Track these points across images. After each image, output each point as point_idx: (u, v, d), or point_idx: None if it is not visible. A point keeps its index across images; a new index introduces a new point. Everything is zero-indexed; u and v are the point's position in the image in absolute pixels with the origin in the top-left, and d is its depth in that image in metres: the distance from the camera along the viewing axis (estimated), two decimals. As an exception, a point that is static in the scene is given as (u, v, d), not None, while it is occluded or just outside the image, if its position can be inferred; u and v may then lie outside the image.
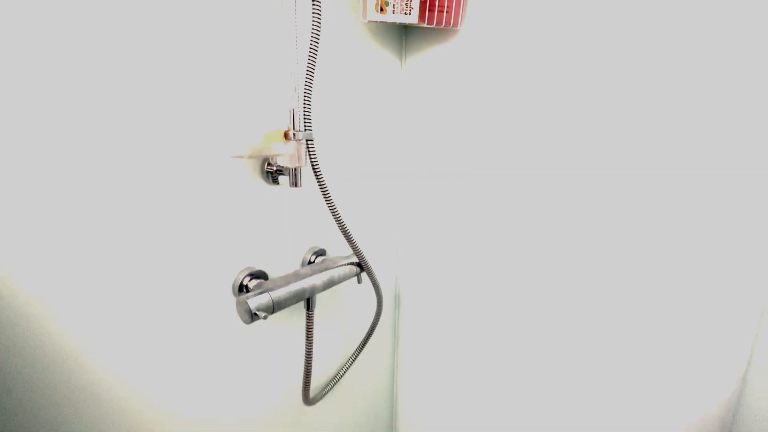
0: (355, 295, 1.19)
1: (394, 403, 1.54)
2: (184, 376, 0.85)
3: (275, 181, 0.88)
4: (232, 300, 0.89)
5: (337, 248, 1.08)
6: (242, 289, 0.89)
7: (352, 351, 1.23)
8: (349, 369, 1.24)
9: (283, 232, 0.96)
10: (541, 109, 0.99)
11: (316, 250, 1.02)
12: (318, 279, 0.94)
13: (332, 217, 1.02)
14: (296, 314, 1.03)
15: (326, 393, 1.14)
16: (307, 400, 1.07)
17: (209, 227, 0.82)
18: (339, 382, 1.23)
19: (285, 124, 0.87)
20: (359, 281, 1.02)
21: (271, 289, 0.87)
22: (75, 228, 0.65)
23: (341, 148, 1.04)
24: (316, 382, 1.16)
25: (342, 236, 1.06)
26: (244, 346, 0.95)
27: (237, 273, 0.90)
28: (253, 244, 0.92)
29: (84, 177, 0.64)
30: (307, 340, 0.99)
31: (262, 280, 0.92)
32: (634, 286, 0.99)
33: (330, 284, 0.96)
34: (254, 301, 0.83)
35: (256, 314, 0.83)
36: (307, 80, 0.78)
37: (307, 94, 0.78)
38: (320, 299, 1.09)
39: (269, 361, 1.00)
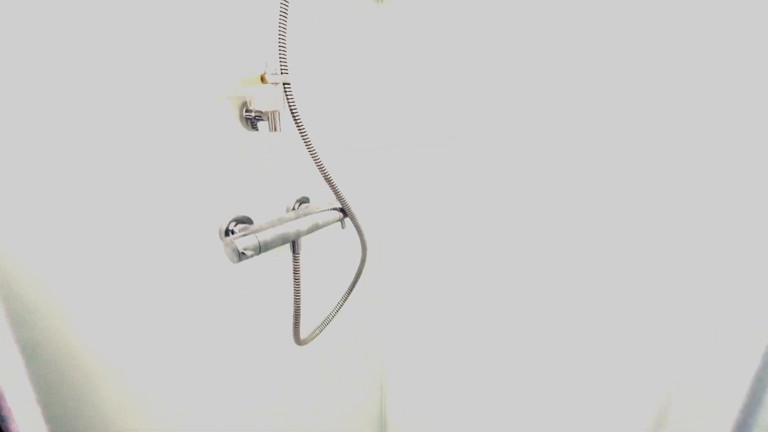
0: (340, 241, 1.24)
1: (383, 346, 1.60)
2: (177, 319, 0.90)
3: (254, 127, 0.92)
4: (220, 244, 0.94)
5: (321, 197, 1.12)
6: (228, 233, 0.94)
7: (341, 295, 1.29)
8: (338, 312, 1.30)
9: (266, 180, 1.00)
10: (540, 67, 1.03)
11: (299, 198, 1.07)
12: (302, 223, 0.98)
13: (312, 162, 1.06)
14: (284, 258, 1.08)
15: (317, 335, 1.19)
16: (298, 339, 1.12)
17: (193, 174, 0.86)
18: (329, 324, 1.28)
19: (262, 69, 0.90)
20: (343, 226, 1.07)
21: (257, 231, 0.91)
22: (57, 174, 0.68)
23: (318, 100, 1.08)
24: (307, 325, 1.21)
25: (324, 182, 1.10)
26: (235, 287, 0.99)
27: (223, 219, 0.94)
28: (238, 191, 0.95)
29: (60, 122, 0.67)
30: (294, 281, 1.04)
31: (248, 225, 0.96)
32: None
33: (314, 228, 1.01)
34: (241, 242, 0.88)
35: (243, 253, 0.88)
36: (281, 21, 0.81)
37: (281, 37, 0.81)
38: (307, 245, 1.13)
39: (260, 302, 1.05)
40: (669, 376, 1.03)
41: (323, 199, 1.12)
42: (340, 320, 1.37)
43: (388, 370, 1.67)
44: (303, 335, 1.21)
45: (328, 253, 1.21)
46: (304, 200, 1.07)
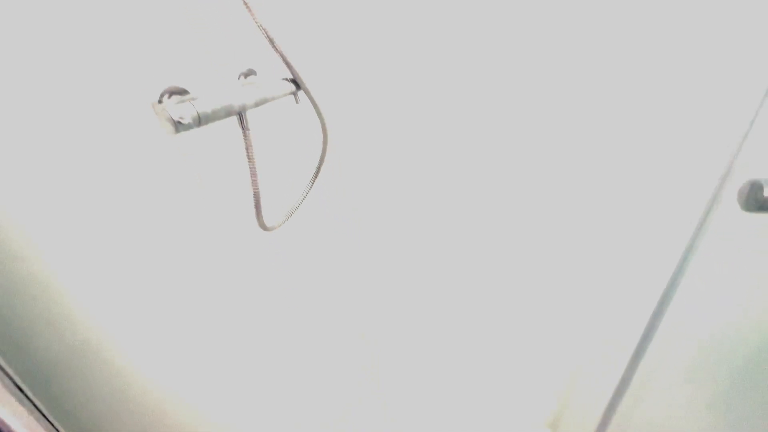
0: (299, 124, 1.16)
1: (357, 233, 1.56)
2: (115, 203, 0.83)
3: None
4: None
5: (272, 71, 1.03)
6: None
7: (307, 181, 1.23)
8: (306, 199, 1.24)
9: (206, 50, 0.91)
10: None
11: (245, 71, 0.98)
12: (248, 95, 0.90)
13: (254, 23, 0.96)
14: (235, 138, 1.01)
15: (284, 221, 1.15)
16: (262, 224, 1.07)
17: (117, 42, 0.77)
18: (297, 211, 1.23)
19: None
20: (296, 100, 0.98)
21: (195, 100, 0.83)
22: None
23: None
24: (273, 212, 1.16)
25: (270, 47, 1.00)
26: (180, 168, 0.93)
27: (157, 93, 0.86)
28: (172, 61, 0.86)
29: None
30: (249, 160, 0.97)
31: (185, 96, 0.88)
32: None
33: (262, 102, 0.93)
34: (176, 109, 0.80)
35: (179, 122, 0.80)
36: None
37: None
38: (259, 124, 1.06)
39: (212, 183, 0.99)
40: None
41: (276, 74, 1.03)
42: (309, 210, 1.31)
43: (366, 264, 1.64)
44: (269, 223, 1.16)
45: (285, 135, 1.14)
46: (250, 73, 0.98)
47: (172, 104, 0.80)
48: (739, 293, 0.94)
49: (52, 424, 0.85)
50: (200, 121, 0.84)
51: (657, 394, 1.12)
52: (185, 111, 0.81)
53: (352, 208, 1.48)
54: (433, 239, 1.43)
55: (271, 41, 0.87)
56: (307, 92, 0.96)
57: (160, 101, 0.85)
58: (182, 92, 0.88)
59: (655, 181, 1.02)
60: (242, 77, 0.97)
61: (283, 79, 0.95)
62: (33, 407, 0.82)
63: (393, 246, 1.51)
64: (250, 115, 1.01)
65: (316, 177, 1.16)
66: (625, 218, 1.12)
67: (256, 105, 0.92)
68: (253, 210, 1.09)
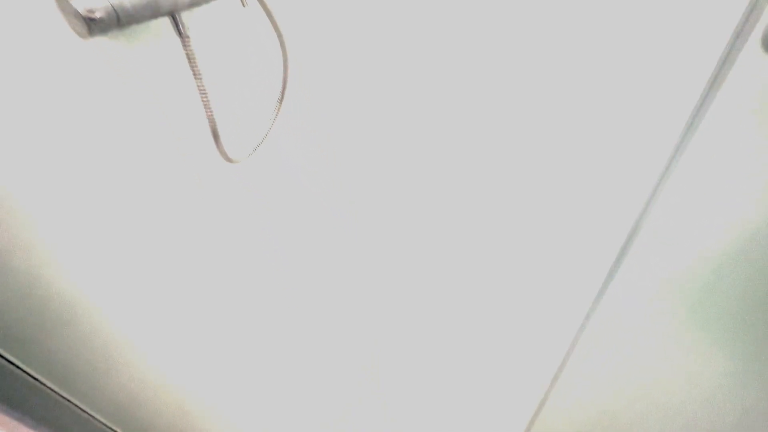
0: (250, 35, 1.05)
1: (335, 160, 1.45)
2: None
3: None
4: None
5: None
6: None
7: (273, 104, 1.12)
8: (274, 125, 1.14)
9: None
10: None
11: None
12: (179, -12, 0.80)
13: None
14: (172, 50, 0.91)
15: (252, 152, 1.06)
16: (225, 154, 0.99)
17: None
18: (266, 140, 1.14)
19: None
20: (243, 3, 0.87)
21: None
22: None
23: None
24: (238, 143, 1.07)
25: None
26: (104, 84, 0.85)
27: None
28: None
29: None
30: (195, 76, 0.88)
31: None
32: None
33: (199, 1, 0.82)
34: (82, 2, 0.71)
35: (91, 19, 0.71)
36: None
37: None
38: (201, 33, 0.95)
39: (155, 109, 0.91)
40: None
41: None
42: (282, 140, 1.21)
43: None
44: (235, 155, 1.07)
45: (238, 43, 1.02)
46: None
47: (79, -2, 0.72)
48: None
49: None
50: (119, 18, 0.74)
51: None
52: (95, 2, 0.72)
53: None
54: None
55: None
56: None
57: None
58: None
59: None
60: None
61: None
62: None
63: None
64: (186, 19, 0.91)
65: (281, 103, 1.06)
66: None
67: (192, 5, 0.82)
68: (211, 139, 1.00)
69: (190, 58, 0.86)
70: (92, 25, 0.72)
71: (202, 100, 0.91)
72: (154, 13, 0.77)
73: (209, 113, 0.92)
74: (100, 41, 0.79)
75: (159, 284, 0.98)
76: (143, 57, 0.86)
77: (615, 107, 0.90)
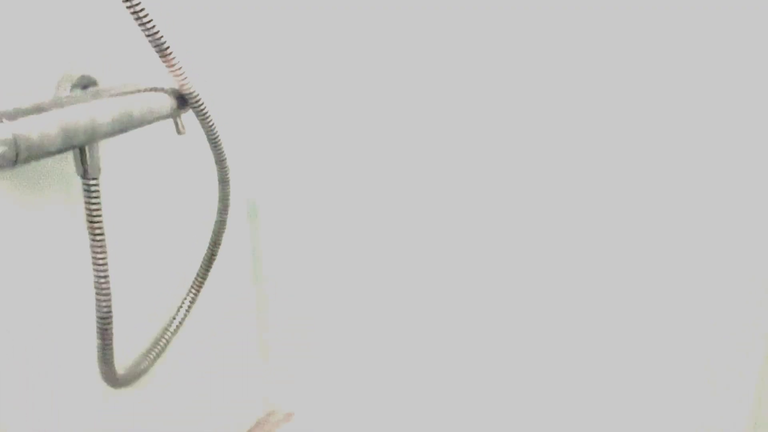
0: (175, 170, 0.76)
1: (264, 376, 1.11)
2: None
3: None
4: None
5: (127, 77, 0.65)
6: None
7: (186, 288, 0.80)
8: (185, 320, 0.80)
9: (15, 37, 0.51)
10: None
11: (78, 78, 0.58)
12: (101, 108, 0.52)
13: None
14: (64, 193, 0.58)
15: (148, 366, 0.71)
16: (114, 378, 0.64)
17: None
18: (169, 345, 0.78)
19: None
20: (179, 129, 0.63)
21: (11, 117, 0.44)
22: None
23: None
24: (128, 347, 0.71)
25: (145, 37, 0.62)
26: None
27: None
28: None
29: None
30: (94, 243, 0.56)
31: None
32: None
33: (126, 124, 0.55)
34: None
35: None
36: None
37: None
38: (112, 168, 0.64)
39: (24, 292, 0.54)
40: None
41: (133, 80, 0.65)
42: (190, 332, 0.85)
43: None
44: (123, 367, 0.70)
45: (154, 186, 0.73)
46: (88, 82, 0.59)
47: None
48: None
49: None
50: (18, 152, 0.44)
51: None
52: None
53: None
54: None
55: (152, 35, 0.52)
56: (203, 116, 0.61)
57: None
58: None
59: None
60: (74, 87, 0.57)
61: (158, 89, 0.58)
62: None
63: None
64: (104, 149, 0.61)
65: (202, 282, 0.76)
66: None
67: (117, 131, 0.54)
68: (98, 351, 0.63)
69: (92, 216, 0.56)
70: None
71: (98, 279, 0.59)
72: (66, 144, 0.48)
73: (105, 305, 0.60)
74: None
75: None
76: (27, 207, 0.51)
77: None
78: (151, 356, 0.75)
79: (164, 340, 0.78)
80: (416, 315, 0.99)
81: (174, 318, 0.79)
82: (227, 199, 0.76)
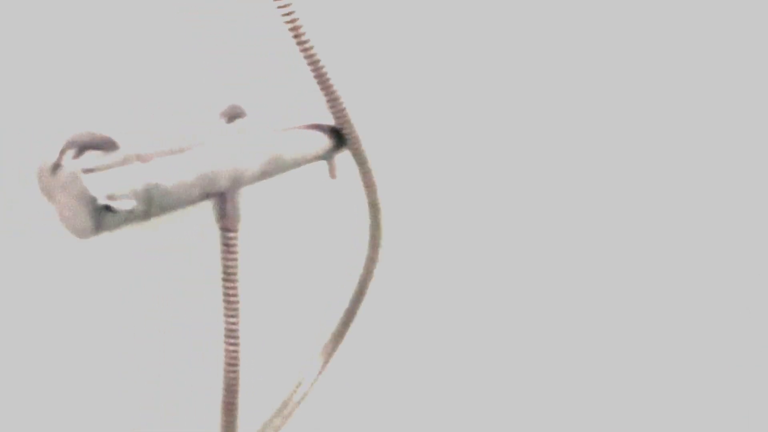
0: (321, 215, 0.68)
1: None
2: None
3: None
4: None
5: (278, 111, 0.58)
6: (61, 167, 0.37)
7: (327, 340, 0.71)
8: (320, 377, 0.71)
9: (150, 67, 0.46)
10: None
11: (227, 108, 0.52)
12: (248, 151, 0.44)
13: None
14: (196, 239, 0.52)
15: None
16: None
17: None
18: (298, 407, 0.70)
19: None
20: (332, 173, 0.54)
21: (137, 160, 0.37)
22: None
23: None
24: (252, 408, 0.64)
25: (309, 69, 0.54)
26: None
27: (53, 147, 0.37)
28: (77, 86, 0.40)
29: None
30: (227, 310, 0.49)
31: (112, 152, 0.39)
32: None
33: (276, 168, 0.47)
34: (98, 180, 0.33)
35: (108, 207, 0.34)
36: None
37: None
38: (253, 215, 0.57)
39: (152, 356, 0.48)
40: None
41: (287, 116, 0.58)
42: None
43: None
44: None
45: (299, 236, 0.65)
46: (236, 113, 0.52)
47: (93, 168, 0.33)
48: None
49: None
50: (150, 205, 0.37)
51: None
52: (122, 183, 0.34)
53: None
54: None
55: (317, 67, 0.44)
56: (358, 152, 0.52)
57: (58, 164, 0.35)
58: (103, 144, 0.39)
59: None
60: (224, 118, 0.51)
61: (315, 126, 0.50)
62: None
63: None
64: (249, 195, 0.54)
65: (344, 331, 0.67)
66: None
67: (264, 174, 0.46)
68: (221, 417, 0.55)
69: (228, 273, 0.48)
70: (104, 221, 0.34)
71: (228, 341, 0.51)
72: (204, 192, 0.41)
73: (233, 369, 0.52)
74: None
75: None
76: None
77: None
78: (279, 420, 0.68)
79: (294, 401, 0.70)
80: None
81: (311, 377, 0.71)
82: (378, 235, 0.65)
